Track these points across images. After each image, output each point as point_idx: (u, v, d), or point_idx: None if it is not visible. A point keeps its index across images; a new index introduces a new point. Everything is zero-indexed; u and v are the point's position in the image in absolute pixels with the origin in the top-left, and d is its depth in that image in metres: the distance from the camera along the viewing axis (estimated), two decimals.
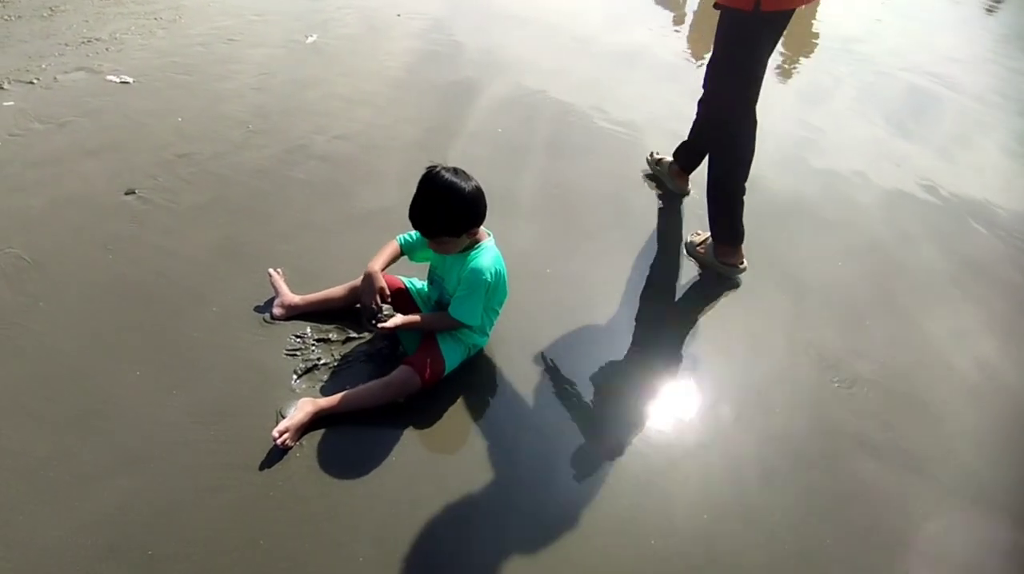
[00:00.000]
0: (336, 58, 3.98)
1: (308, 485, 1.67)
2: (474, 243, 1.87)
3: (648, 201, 2.96)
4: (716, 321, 2.35)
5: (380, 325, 1.87)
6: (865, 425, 2.03)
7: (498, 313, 2.05)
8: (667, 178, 3.01)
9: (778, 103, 4.08)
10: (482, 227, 1.93)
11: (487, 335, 2.06)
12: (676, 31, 5.11)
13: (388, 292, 1.92)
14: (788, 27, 2.16)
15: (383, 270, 1.95)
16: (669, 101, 3.87)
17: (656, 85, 4.15)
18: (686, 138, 2.79)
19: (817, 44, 5.19)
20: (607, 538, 1.64)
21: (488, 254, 1.86)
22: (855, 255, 2.79)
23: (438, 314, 1.95)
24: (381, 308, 1.92)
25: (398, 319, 1.88)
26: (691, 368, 2.15)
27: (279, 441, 1.70)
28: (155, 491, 1.62)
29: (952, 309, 2.58)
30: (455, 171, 1.75)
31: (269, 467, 1.70)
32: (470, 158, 3.07)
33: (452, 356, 1.95)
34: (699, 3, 5.71)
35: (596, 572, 1.57)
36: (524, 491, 1.72)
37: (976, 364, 2.32)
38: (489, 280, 1.84)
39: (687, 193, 2.96)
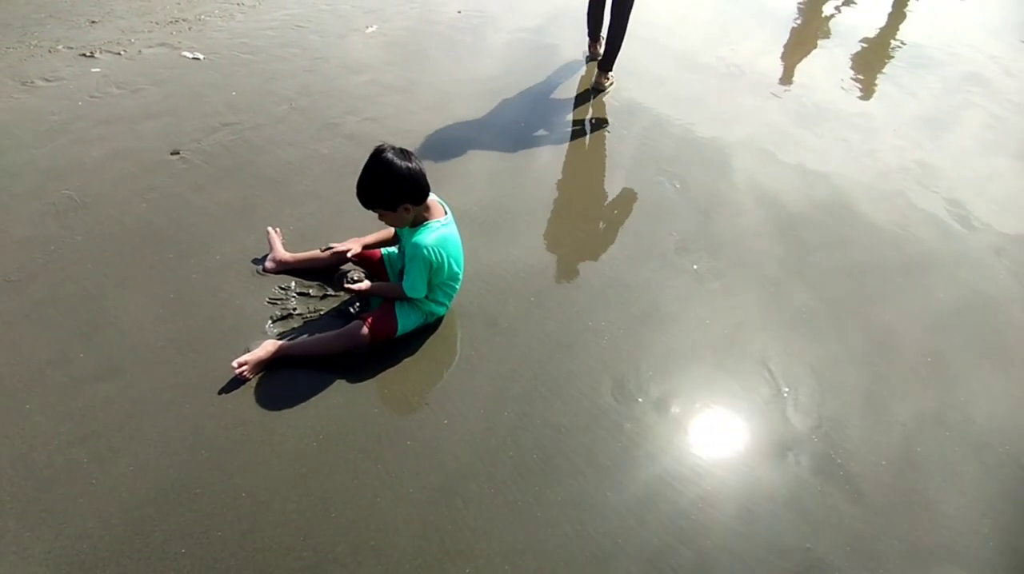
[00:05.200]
0: (389, 48, 4.26)
1: (252, 412, 1.90)
2: (423, 220, 2.03)
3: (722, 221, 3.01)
4: (696, 337, 2.39)
5: (347, 286, 2.10)
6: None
7: (455, 287, 2.20)
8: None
9: (884, 128, 3.89)
10: (442, 206, 2.10)
11: (445, 306, 2.22)
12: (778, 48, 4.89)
13: (349, 255, 2.16)
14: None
15: (367, 246, 2.24)
16: (767, 121, 3.79)
17: (756, 102, 4.04)
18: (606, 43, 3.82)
19: (909, 60, 4.90)
20: (510, 523, 1.76)
21: (432, 232, 2.00)
22: (874, 298, 2.62)
23: (395, 284, 2.14)
24: (359, 276, 2.14)
25: (364, 284, 2.12)
26: (647, 368, 2.22)
27: (237, 371, 1.95)
28: (129, 398, 1.91)
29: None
30: (399, 151, 1.91)
31: (225, 393, 1.95)
32: (491, 150, 3.25)
33: (406, 320, 2.13)
34: (802, 20, 5.50)
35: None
36: (417, 453, 1.86)
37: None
38: (428, 256, 1.97)
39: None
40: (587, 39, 4.36)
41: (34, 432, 1.81)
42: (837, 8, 5.70)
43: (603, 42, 3.88)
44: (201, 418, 1.87)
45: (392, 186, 1.89)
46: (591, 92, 3.91)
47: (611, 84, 3.96)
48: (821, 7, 5.70)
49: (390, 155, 1.88)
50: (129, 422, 1.85)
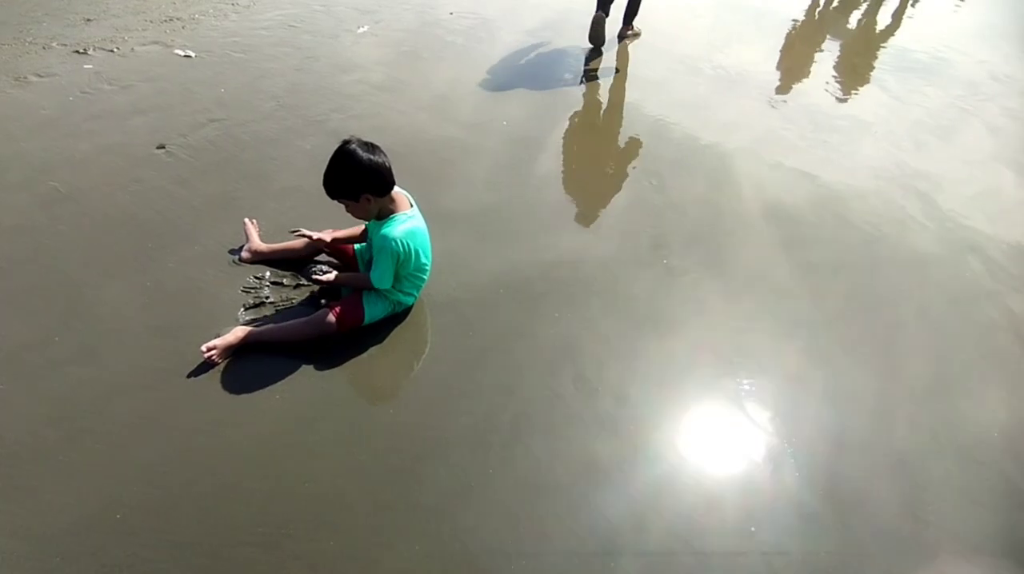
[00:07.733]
0: (379, 48, 4.33)
1: (221, 396, 1.97)
2: (389, 212, 2.10)
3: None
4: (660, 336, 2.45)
5: (315, 277, 2.17)
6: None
7: (422, 278, 2.26)
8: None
9: (871, 131, 3.92)
10: (407, 199, 2.16)
11: (413, 296, 2.28)
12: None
13: (321, 245, 2.23)
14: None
15: (337, 239, 2.31)
16: (769, 128, 3.82)
17: (757, 109, 4.07)
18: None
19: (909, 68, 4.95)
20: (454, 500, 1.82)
21: (399, 224, 2.07)
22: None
23: (362, 275, 2.22)
24: (327, 268, 2.21)
25: (331, 275, 2.18)
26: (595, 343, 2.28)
27: (206, 355, 2.02)
28: (103, 380, 1.99)
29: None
30: (364, 144, 1.98)
31: (195, 377, 2.02)
32: (474, 148, 3.31)
33: (373, 309, 2.19)
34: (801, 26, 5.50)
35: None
36: (379, 436, 1.92)
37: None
38: (396, 248, 2.04)
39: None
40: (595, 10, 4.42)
41: (9, 412, 1.88)
42: (861, 17, 5.78)
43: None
44: (172, 401, 1.94)
45: (353, 176, 1.95)
46: (616, 39, 4.64)
47: (636, 33, 4.73)
48: (843, 15, 5.78)
49: (354, 146, 1.95)
50: (102, 404, 1.92)
